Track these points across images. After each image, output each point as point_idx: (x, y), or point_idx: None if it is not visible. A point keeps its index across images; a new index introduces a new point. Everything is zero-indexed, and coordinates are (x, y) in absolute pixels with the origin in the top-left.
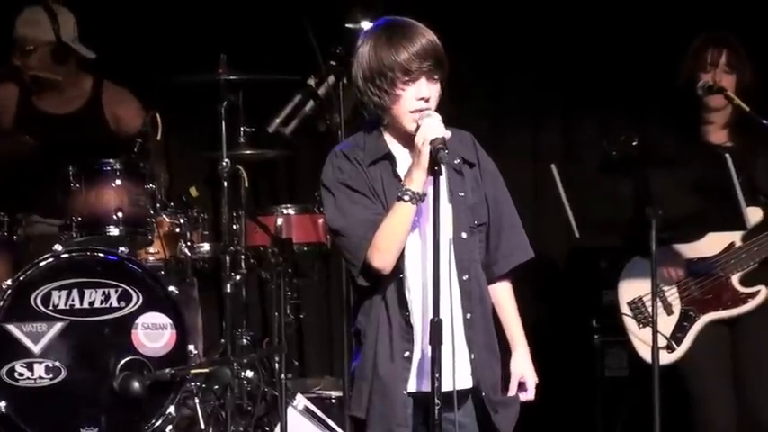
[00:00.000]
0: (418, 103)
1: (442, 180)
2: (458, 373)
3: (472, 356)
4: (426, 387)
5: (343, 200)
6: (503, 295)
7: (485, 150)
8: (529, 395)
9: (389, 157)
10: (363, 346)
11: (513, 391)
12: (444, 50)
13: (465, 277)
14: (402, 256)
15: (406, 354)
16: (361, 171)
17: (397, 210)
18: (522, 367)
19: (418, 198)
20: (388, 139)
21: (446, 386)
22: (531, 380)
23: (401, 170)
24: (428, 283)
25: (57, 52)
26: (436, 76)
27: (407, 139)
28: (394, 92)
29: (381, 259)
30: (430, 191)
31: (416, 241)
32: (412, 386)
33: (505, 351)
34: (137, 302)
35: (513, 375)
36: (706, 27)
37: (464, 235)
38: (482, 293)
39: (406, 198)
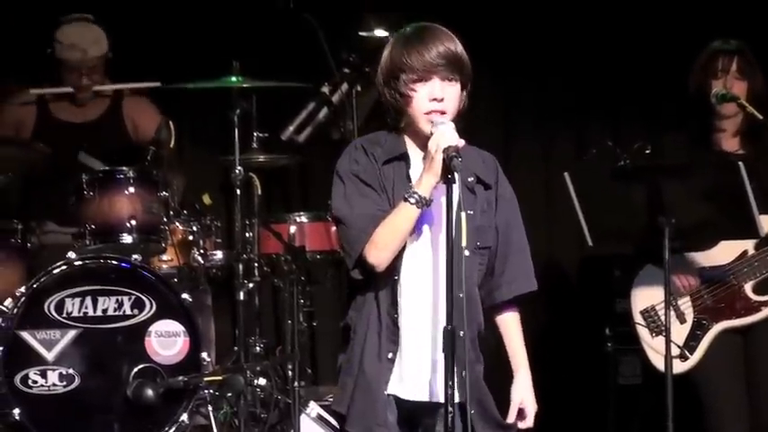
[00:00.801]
0: (431, 103)
1: (456, 190)
2: (440, 387)
3: (463, 373)
4: (404, 393)
5: (353, 191)
6: (510, 324)
7: (499, 159)
8: (527, 422)
9: (405, 158)
10: (352, 341)
11: (511, 417)
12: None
13: (461, 295)
14: (400, 258)
15: (390, 355)
16: (376, 167)
17: (400, 210)
18: (523, 394)
19: (424, 203)
20: (407, 140)
21: (420, 397)
22: (531, 407)
23: (414, 172)
24: (423, 290)
25: (107, 64)
26: (453, 78)
27: (425, 142)
28: (406, 92)
29: (376, 255)
30: (441, 200)
31: (417, 247)
32: (392, 388)
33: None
34: (150, 310)
35: (513, 402)
36: (717, 33)
37: (466, 253)
38: (475, 314)
39: (412, 201)
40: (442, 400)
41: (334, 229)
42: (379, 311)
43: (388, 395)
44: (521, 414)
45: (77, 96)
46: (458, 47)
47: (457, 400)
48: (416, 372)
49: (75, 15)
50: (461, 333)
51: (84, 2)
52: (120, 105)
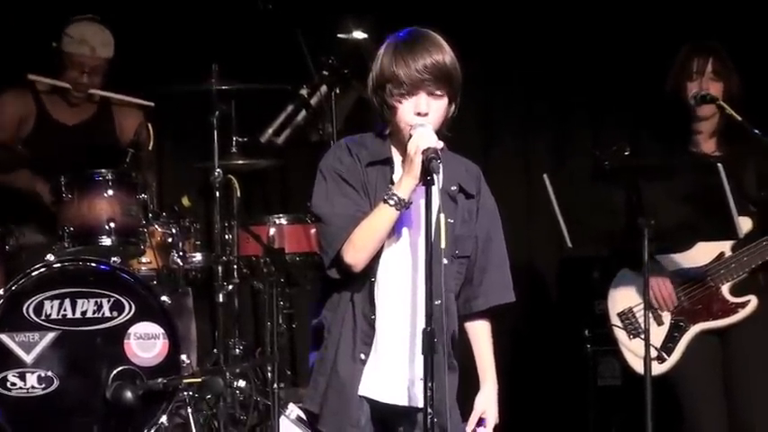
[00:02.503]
0: (415, 117)
1: (435, 192)
2: (416, 390)
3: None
4: (377, 396)
5: (334, 189)
6: (481, 333)
7: (479, 161)
8: None
9: (389, 163)
10: (326, 341)
11: (471, 425)
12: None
13: (437, 302)
14: (377, 260)
15: (362, 356)
16: (359, 167)
17: (378, 211)
18: (487, 404)
19: (402, 205)
20: (392, 146)
21: (391, 399)
22: (492, 418)
23: (398, 177)
24: (399, 292)
25: (108, 69)
26: (439, 92)
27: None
28: (392, 103)
29: (354, 256)
30: (421, 203)
31: (395, 250)
32: (364, 390)
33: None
34: (129, 312)
35: (476, 411)
36: (696, 36)
37: (444, 261)
38: (450, 322)
39: (391, 203)
40: (415, 404)
41: (313, 231)
42: (355, 312)
43: (361, 396)
44: (480, 423)
45: (73, 93)
46: (446, 57)
47: (420, 405)
48: (391, 375)
49: (88, 15)
50: (434, 339)
51: (64, 2)
52: (110, 108)
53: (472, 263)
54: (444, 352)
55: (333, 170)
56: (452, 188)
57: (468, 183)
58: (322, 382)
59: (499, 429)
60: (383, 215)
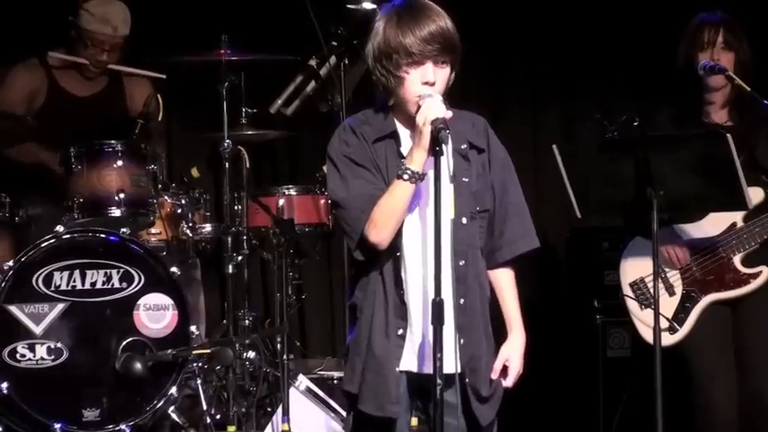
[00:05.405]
0: (422, 87)
1: (444, 162)
2: (446, 357)
3: (461, 342)
4: (417, 367)
5: (347, 173)
6: (504, 282)
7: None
8: (507, 382)
9: (395, 136)
10: (359, 321)
11: (495, 373)
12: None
13: (461, 262)
14: (400, 234)
15: (400, 331)
16: (366, 146)
17: (395, 187)
18: (511, 353)
19: (417, 177)
20: (396, 118)
21: (427, 369)
22: (515, 368)
23: (405, 150)
24: (424, 263)
25: (126, 45)
26: (444, 61)
27: (412, 121)
28: (399, 74)
29: (377, 234)
30: (431, 173)
31: (415, 221)
32: (404, 365)
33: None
34: (138, 283)
35: (500, 358)
36: (704, 6)
37: (464, 220)
38: (480, 280)
39: (406, 177)
40: (449, 370)
41: (322, 201)
42: (385, 289)
43: (401, 372)
44: (504, 372)
45: (91, 69)
46: (448, 23)
47: (459, 370)
48: (423, 345)
49: None
50: (461, 301)
51: None
52: (122, 80)
53: (492, 215)
54: (478, 311)
55: (341, 154)
56: (462, 146)
57: (477, 138)
58: (358, 362)
59: (522, 380)
60: (400, 190)
